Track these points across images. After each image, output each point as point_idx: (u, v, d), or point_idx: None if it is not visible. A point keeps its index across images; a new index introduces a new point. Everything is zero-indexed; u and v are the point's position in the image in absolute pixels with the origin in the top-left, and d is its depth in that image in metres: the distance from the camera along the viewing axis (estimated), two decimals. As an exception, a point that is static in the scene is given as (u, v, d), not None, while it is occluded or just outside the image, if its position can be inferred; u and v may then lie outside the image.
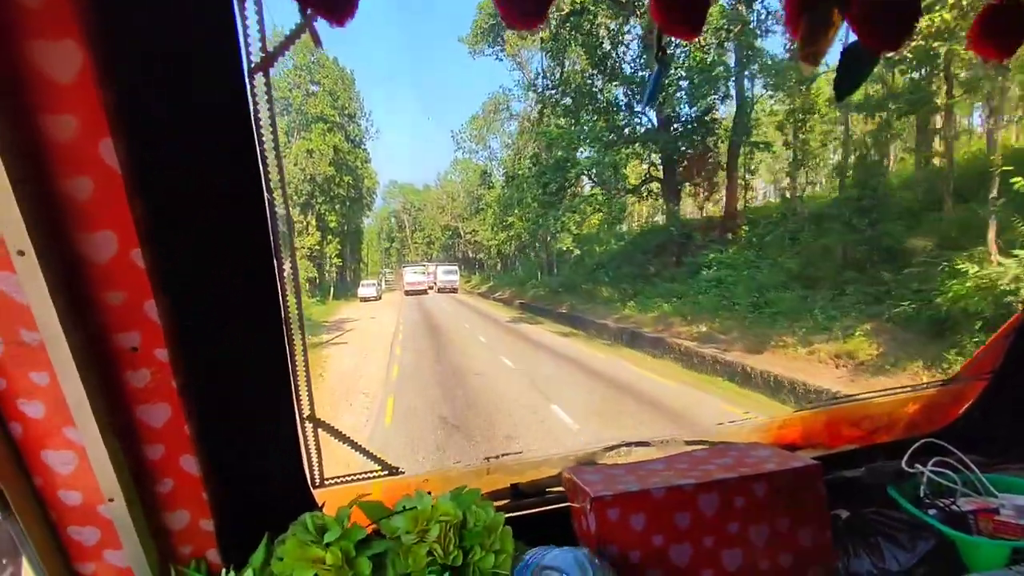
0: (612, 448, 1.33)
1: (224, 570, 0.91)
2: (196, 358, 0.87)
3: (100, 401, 0.78)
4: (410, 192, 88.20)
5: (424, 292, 47.78)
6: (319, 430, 1.06)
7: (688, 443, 1.32)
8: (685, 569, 0.99)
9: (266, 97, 0.82)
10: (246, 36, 0.77)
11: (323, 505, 1.09)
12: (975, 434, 1.43)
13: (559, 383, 10.83)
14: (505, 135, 55.61)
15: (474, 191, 63.35)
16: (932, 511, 1.22)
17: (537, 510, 1.22)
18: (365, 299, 41.94)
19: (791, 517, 1.04)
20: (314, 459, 1.08)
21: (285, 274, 0.91)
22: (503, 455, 1.35)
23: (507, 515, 1.17)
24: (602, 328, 17.37)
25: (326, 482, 1.12)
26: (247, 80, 0.80)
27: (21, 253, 0.70)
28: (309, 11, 0.69)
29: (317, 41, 0.72)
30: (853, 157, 14.21)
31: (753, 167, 21.74)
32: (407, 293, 46.32)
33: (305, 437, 1.06)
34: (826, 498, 1.07)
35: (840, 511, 1.25)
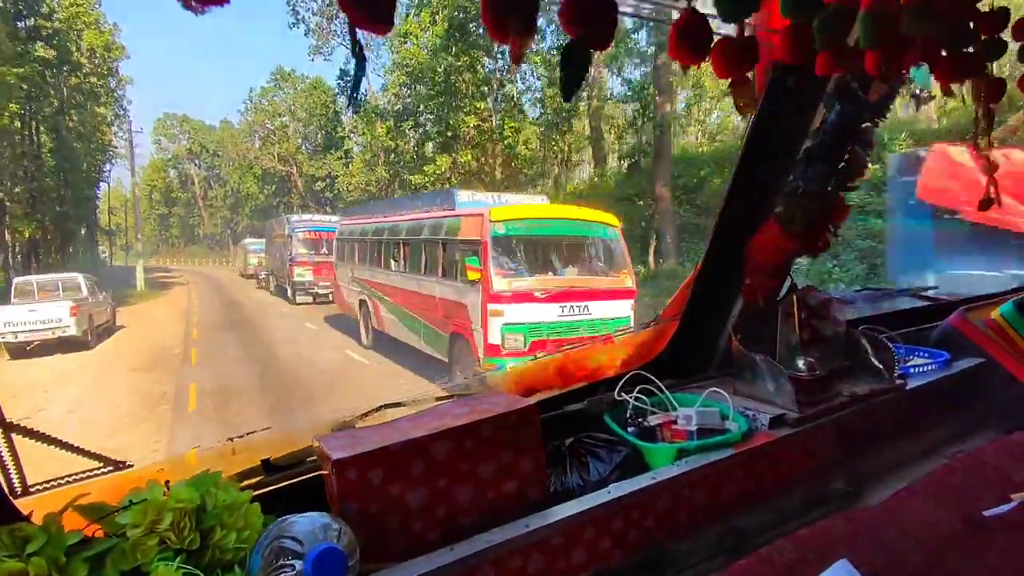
0: (367, 413, 1.40)
1: None
2: None
3: None
4: (199, 129, 61.51)
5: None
6: (12, 435, 0.96)
7: (438, 399, 1.45)
8: (420, 510, 1.11)
9: None
10: None
11: (31, 515, 0.99)
12: (669, 364, 1.79)
13: None
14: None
15: (326, 111, 44.02)
16: (631, 429, 1.51)
17: (293, 482, 1.25)
18: (24, 341, 12.38)
19: (514, 450, 1.22)
20: (10, 467, 0.97)
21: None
22: (248, 433, 1.34)
23: (261, 491, 1.18)
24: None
25: (31, 490, 1.01)
26: None
27: None
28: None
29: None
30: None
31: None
32: None
33: None
34: (541, 431, 1.27)
35: (567, 439, 1.50)
